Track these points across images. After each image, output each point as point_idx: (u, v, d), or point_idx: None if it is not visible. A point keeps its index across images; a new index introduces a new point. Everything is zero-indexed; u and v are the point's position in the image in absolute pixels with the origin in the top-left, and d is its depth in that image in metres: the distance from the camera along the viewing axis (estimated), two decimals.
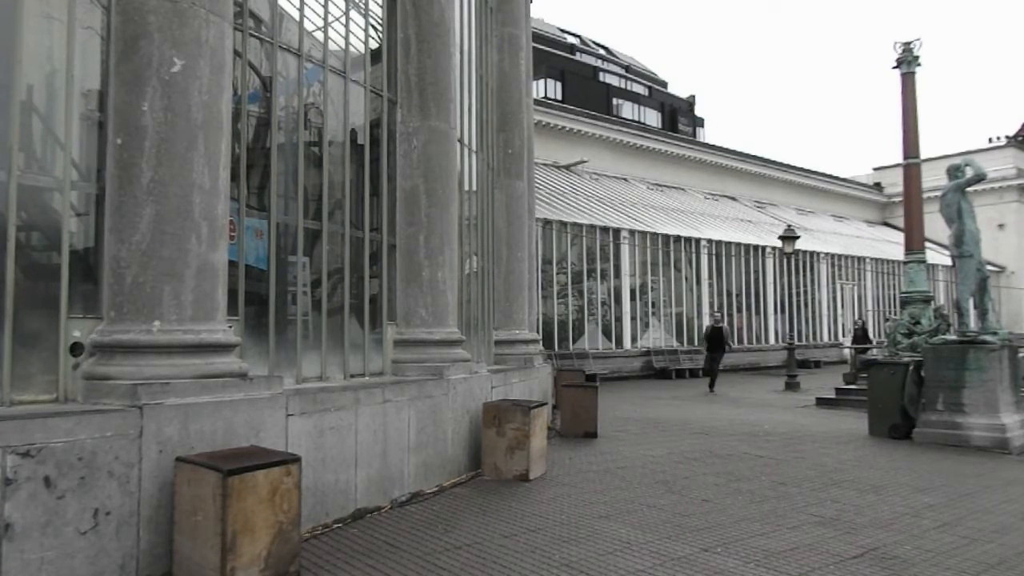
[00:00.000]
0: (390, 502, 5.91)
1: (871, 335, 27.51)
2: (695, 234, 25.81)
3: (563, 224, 21.62)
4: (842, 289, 31.49)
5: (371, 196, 7.07)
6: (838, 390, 15.32)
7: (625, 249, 23.17)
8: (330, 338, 6.35)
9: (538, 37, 29.52)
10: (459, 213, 8.19)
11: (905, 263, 15.49)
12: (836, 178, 42.15)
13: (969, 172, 10.10)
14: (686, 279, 25.23)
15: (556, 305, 21.47)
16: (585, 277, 22.27)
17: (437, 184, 7.30)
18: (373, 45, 7.35)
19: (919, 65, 14.94)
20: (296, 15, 6.41)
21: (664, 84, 49.62)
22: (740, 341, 26.76)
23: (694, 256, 25.50)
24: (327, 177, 6.56)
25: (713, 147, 35.71)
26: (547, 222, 20.88)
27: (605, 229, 22.80)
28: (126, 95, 4.39)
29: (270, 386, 4.84)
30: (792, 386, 18.32)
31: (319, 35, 6.59)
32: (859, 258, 32.55)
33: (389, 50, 7.33)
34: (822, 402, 14.72)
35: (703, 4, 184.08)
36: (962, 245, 9.91)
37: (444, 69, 7.48)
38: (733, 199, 34.42)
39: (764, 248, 27.77)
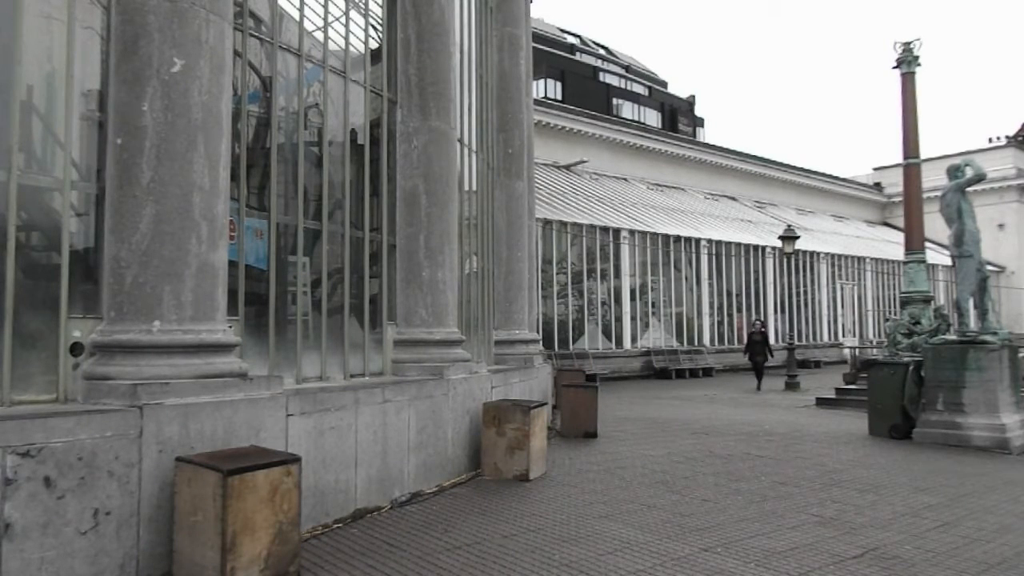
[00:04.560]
0: (390, 502, 5.91)
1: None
2: (695, 234, 25.80)
3: (563, 224, 21.62)
4: (842, 289, 31.50)
5: (371, 196, 7.07)
6: (838, 390, 15.33)
7: (625, 249, 23.17)
8: (330, 338, 6.35)
9: (538, 37, 29.52)
10: (459, 213, 8.19)
11: (905, 263, 15.51)
12: (836, 178, 42.16)
13: (969, 172, 10.11)
14: (686, 279, 25.23)
15: (556, 305, 21.48)
16: (585, 277, 22.27)
17: (437, 184, 7.29)
18: (373, 45, 7.35)
19: (919, 65, 14.95)
20: (296, 15, 6.41)
21: (664, 84, 49.59)
22: (740, 341, 26.77)
23: (694, 256, 25.50)
24: (327, 177, 6.56)
25: (713, 147, 35.72)
26: (547, 222, 20.88)
27: (605, 229, 22.80)
28: (126, 95, 4.39)
29: (270, 386, 4.84)
30: (792, 386, 18.34)
31: (319, 35, 6.59)
32: (859, 258, 32.56)
33: (389, 50, 7.33)
34: (822, 402, 14.73)
35: (703, 4, 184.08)
36: (962, 245, 9.91)
37: (444, 69, 7.48)
38: (733, 199, 34.42)
39: (764, 248, 27.78)
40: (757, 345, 19.36)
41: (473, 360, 7.77)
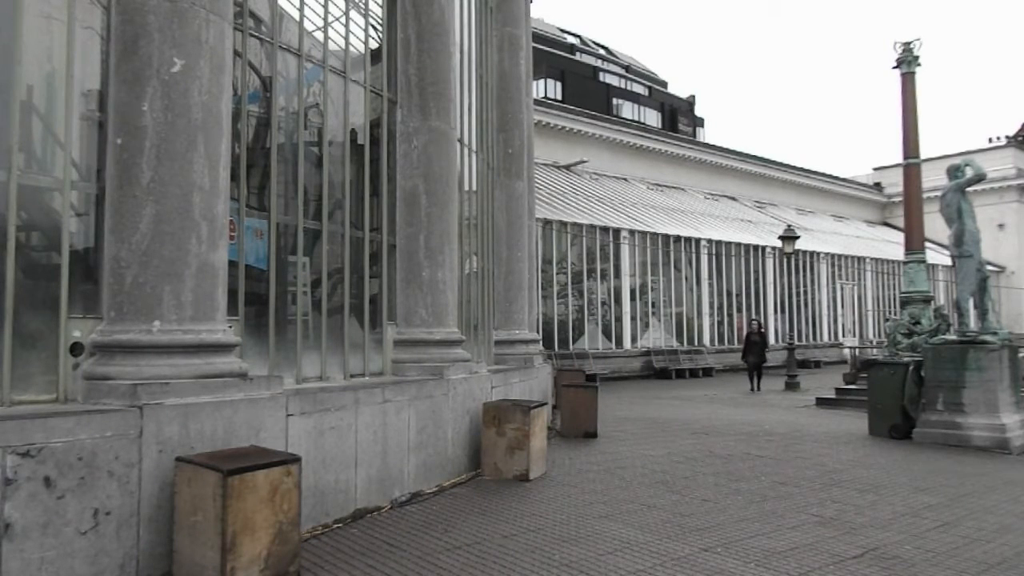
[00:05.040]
0: (390, 502, 5.91)
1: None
2: (695, 234, 25.80)
3: (563, 224, 21.62)
4: (842, 289, 31.50)
5: (371, 196, 7.07)
6: (838, 390, 15.33)
7: (625, 249, 23.17)
8: (330, 338, 6.35)
9: (538, 37, 29.51)
10: (459, 213, 8.19)
11: (905, 263, 15.51)
12: (836, 178, 42.17)
13: (969, 172, 10.11)
14: (686, 279, 25.23)
15: (556, 305, 21.48)
16: (585, 277, 22.27)
17: (437, 184, 7.30)
18: (373, 45, 7.35)
19: (919, 65, 14.95)
20: (296, 15, 6.41)
21: (664, 84, 49.59)
22: (740, 341, 26.76)
23: (694, 256, 25.50)
24: (327, 177, 6.56)
25: (713, 147, 35.72)
26: (547, 222, 20.88)
27: (605, 229, 22.80)
28: (126, 95, 4.39)
29: (270, 386, 4.84)
30: (792, 386, 18.33)
31: (319, 35, 6.59)
32: (859, 258, 32.56)
33: (389, 50, 7.33)
34: (822, 402, 14.72)
35: (703, 4, 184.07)
36: (962, 245, 9.92)
37: (444, 69, 7.48)
38: (733, 199, 34.42)
39: (764, 248, 27.78)
40: (755, 346, 18.56)
41: (473, 360, 7.77)
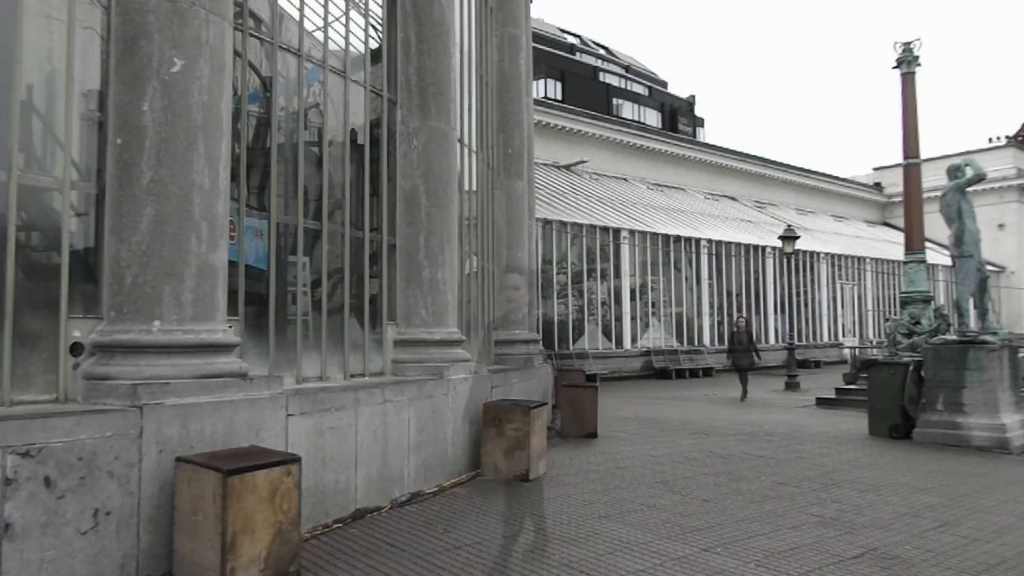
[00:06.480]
0: (390, 502, 5.91)
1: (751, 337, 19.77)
2: (695, 234, 25.80)
3: (563, 224, 21.62)
4: (842, 289, 31.50)
5: (371, 196, 7.07)
6: (838, 390, 15.32)
7: (625, 249, 23.16)
8: (330, 338, 6.35)
9: (538, 37, 29.49)
10: (459, 213, 8.19)
11: (905, 263, 15.51)
12: (836, 178, 42.17)
13: (969, 172, 10.12)
14: (686, 279, 25.23)
15: (556, 305, 21.47)
16: (585, 277, 22.26)
17: (437, 184, 7.30)
18: (373, 45, 7.36)
19: (919, 65, 14.95)
20: (296, 15, 6.41)
21: (664, 84, 49.56)
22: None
23: (694, 256, 25.50)
24: (327, 177, 6.56)
25: (713, 147, 35.72)
26: (547, 222, 20.88)
27: (605, 229, 22.80)
28: (126, 95, 4.39)
29: (270, 386, 4.84)
30: (792, 386, 18.31)
31: (319, 35, 6.59)
32: (859, 258, 32.56)
33: (389, 50, 7.33)
34: (822, 402, 14.72)
35: (703, 4, 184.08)
36: (962, 245, 9.92)
37: (444, 69, 7.48)
38: (733, 199, 34.42)
39: (764, 248, 27.77)
40: (742, 347, 16.35)
41: (473, 360, 7.77)
